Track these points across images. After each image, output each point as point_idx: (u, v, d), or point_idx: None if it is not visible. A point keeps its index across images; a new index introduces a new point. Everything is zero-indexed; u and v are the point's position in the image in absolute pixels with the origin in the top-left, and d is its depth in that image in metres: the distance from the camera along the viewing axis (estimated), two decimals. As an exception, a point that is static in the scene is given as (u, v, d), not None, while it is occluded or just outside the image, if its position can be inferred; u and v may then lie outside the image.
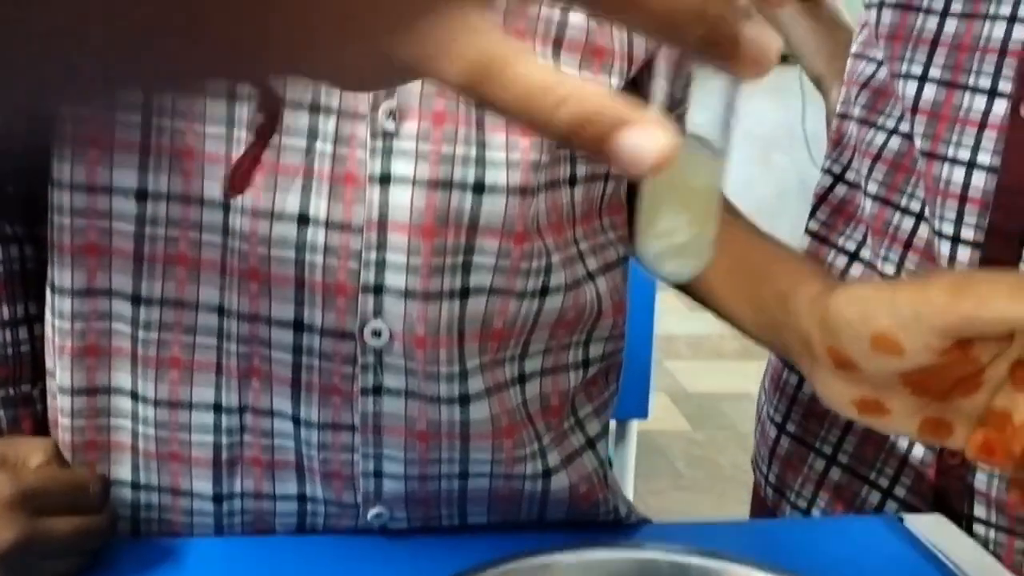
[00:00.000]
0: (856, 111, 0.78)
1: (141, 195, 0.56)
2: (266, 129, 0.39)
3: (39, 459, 0.55)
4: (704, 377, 3.19)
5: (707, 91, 0.33)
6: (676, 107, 0.33)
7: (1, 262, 0.63)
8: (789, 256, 0.64)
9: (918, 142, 0.71)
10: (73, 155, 0.56)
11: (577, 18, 0.57)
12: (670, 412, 2.95)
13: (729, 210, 0.69)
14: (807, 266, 0.62)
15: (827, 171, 0.82)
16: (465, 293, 0.57)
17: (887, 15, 0.73)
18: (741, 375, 3.13)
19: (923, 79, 0.71)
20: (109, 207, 0.56)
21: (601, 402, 0.69)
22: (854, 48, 0.80)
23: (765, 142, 4.83)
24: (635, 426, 1.49)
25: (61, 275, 0.58)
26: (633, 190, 0.69)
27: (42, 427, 0.65)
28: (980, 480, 0.70)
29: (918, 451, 0.73)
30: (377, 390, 0.58)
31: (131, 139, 0.55)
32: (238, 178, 0.42)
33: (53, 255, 0.59)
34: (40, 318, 0.66)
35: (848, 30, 1.01)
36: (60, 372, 0.60)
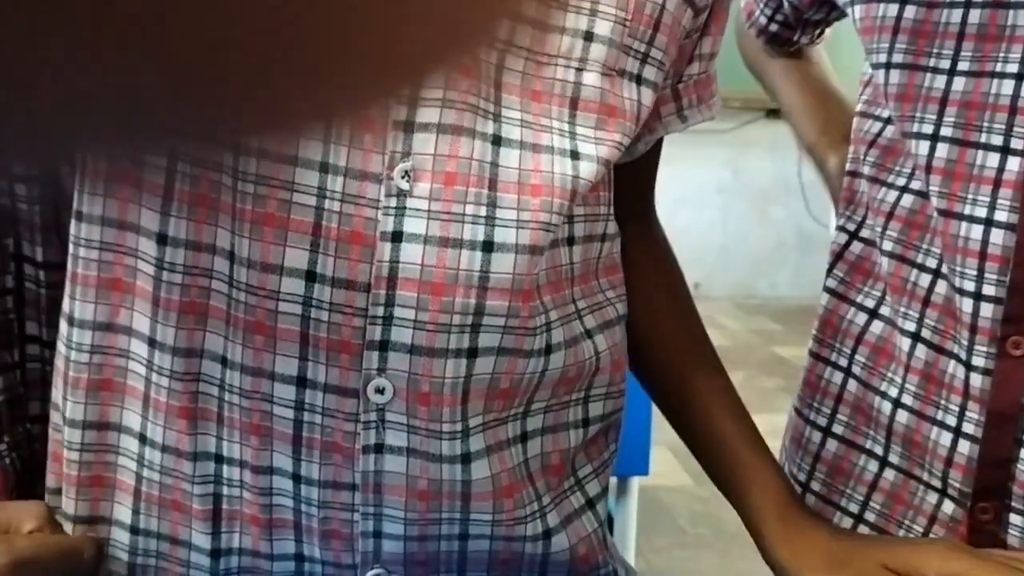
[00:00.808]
0: (866, 169, 0.79)
1: (162, 239, 0.56)
2: None
3: (31, 524, 0.54)
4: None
5: None
6: None
7: None
8: (754, 461, 0.69)
9: (934, 200, 0.72)
10: (105, 192, 0.57)
11: (591, 78, 0.58)
12: (672, 467, 2.92)
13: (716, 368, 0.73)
14: (770, 484, 0.68)
15: (841, 228, 0.83)
16: (473, 353, 0.57)
17: (895, 75, 0.74)
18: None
19: (935, 138, 0.71)
20: (136, 245, 0.57)
21: (601, 462, 0.69)
22: (859, 107, 0.81)
23: (762, 195, 4.87)
24: (636, 483, 1.48)
25: (70, 304, 0.59)
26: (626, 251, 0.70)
27: (21, 478, 0.64)
28: (1013, 537, 0.69)
29: (948, 507, 0.72)
30: (379, 448, 0.57)
31: (156, 181, 0.56)
32: None
33: (75, 288, 0.59)
34: (6, 368, 0.65)
35: (837, 97, 1.02)
36: (71, 405, 0.60)
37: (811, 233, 4.87)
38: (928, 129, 0.71)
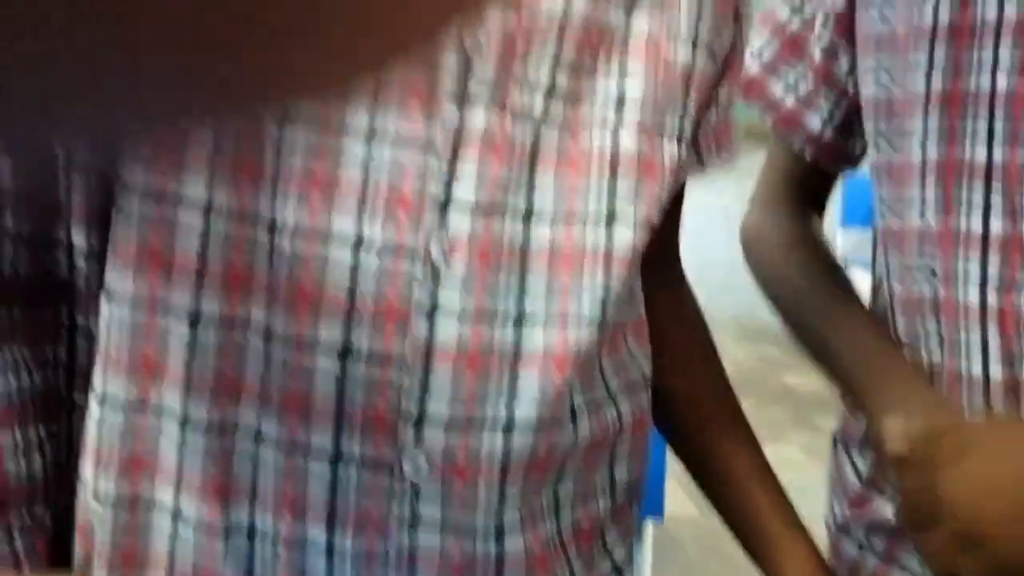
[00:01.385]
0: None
1: (194, 318, 0.57)
2: None
3: None
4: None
5: None
6: None
7: (11, 392, 0.63)
8: (786, 534, 0.69)
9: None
10: (136, 270, 0.57)
11: (627, 141, 0.59)
12: (680, 500, 2.90)
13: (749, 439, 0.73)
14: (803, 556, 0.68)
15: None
16: (510, 426, 0.57)
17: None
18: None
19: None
20: (167, 322, 0.57)
21: (626, 527, 0.69)
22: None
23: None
24: (650, 526, 1.47)
25: (115, 384, 0.59)
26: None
27: (55, 548, 0.64)
28: None
29: None
30: (413, 522, 0.57)
31: (189, 255, 0.56)
32: None
33: (104, 365, 0.60)
34: (49, 437, 0.66)
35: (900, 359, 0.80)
36: (103, 482, 0.60)
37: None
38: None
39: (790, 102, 0.85)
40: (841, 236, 4.21)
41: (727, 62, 0.66)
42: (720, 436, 0.72)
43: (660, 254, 0.74)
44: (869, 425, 0.80)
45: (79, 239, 0.66)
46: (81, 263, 0.67)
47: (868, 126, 0.78)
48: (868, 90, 0.77)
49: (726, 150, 0.70)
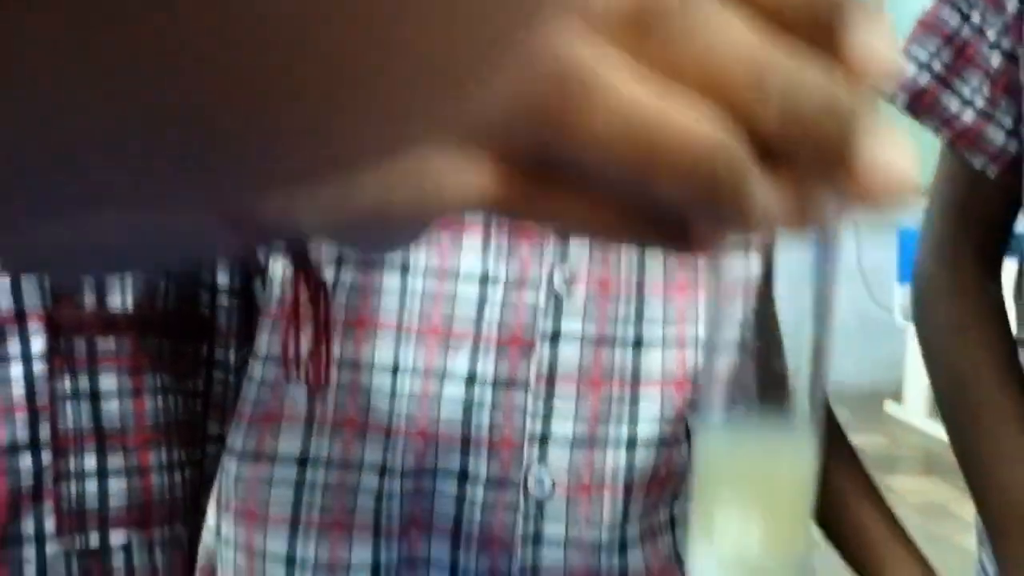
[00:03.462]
0: None
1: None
2: (318, 323, 0.39)
3: None
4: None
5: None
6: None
7: (154, 411, 0.68)
8: (900, 553, 0.69)
9: None
10: (270, 331, 0.61)
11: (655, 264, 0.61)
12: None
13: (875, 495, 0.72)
14: None
15: None
16: (632, 444, 0.60)
17: None
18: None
19: None
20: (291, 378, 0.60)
21: None
22: None
23: (821, 281, 4.84)
24: None
25: (234, 439, 0.62)
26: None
27: (190, 567, 0.68)
28: None
29: None
30: (537, 539, 0.59)
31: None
32: (315, 372, 0.42)
33: (229, 417, 0.63)
34: (190, 462, 0.70)
35: None
36: (224, 527, 0.64)
37: (874, 319, 4.83)
38: None
39: (968, 116, 0.78)
40: (900, 292, 4.18)
41: None
42: (828, 462, 0.73)
43: None
44: (997, 566, 0.78)
45: (222, 279, 0.71)
46: (223, 301, 0.72)
47: None
48: None
49: None
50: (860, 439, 4.28)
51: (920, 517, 3.11)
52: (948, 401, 0.81)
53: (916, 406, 4.32)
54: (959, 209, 0.81)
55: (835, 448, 0.74)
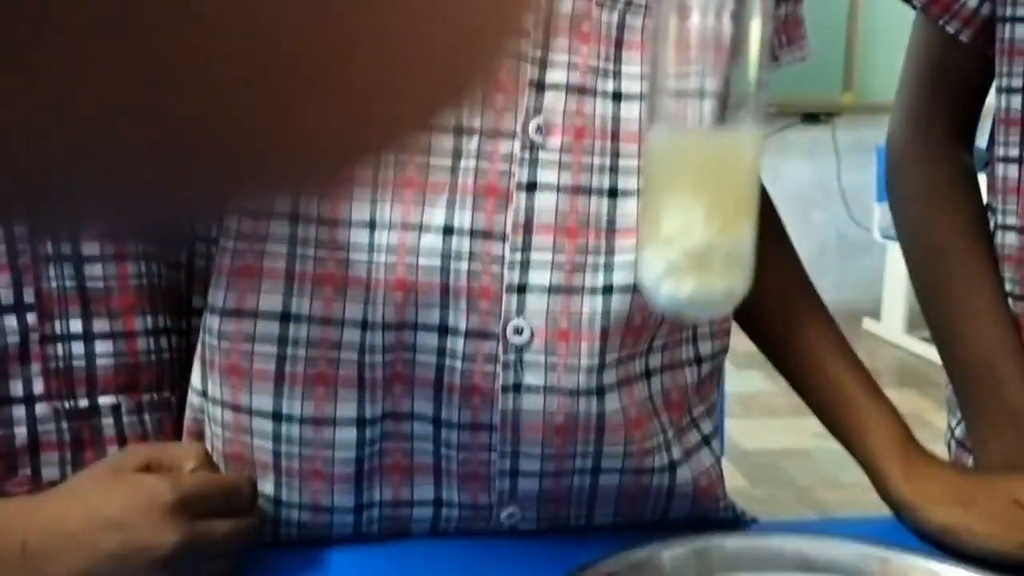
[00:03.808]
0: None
1: (294, 217, 0.60)
2: None
3: (192, 464, 0.57)
4: (759, 435, 3.16)
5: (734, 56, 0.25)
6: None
7: (138, 276, 0.69)
8: (870, 404, 0.71)
9: None
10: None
11: (635, 20, 0.61)
12: (728, 471, 2.92)
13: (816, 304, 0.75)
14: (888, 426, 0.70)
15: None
16: (608, 290, 0.61)
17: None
18: (795, 431, 3.10)
19: None
20: (267, 230, 0.61)
21: (710, 403, 0.73)
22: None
23: (801, 201, 4.86)
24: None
25: (215, 295, 0.63)
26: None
27: (180, 431, 0.69)
28: None
29: None
30: (517, 387, 0.61)
31: None
32: None
33: (211, 276, 0.63)
34: (175, 331, 0.71)
35: None
36: (211, 387, 0.64)
37: (853, 237, 4.86)
38: None
39: None
40: (879, 211, 4.20)
41: None
42: (798, 316, 0.74)
43: None
44: (968, 430, 0.80)
45: None
46: None
47: None
48: None
49: (797, 45, 0.73)
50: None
51: (896, 427, 3.19)
52: (920, 264, 0.82)
53: (894, 323, 4.37)
54: (933, 75, 0.81)
55: (804, 302, 0.76)
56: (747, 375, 3.41)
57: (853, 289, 4.87)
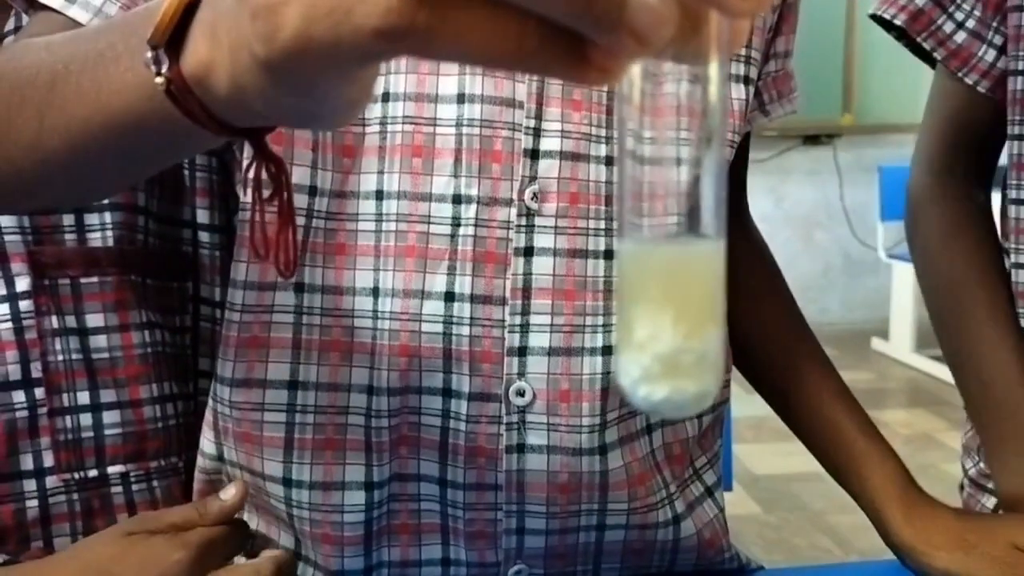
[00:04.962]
0: None
1: (299, 287, 0.61)
2: (282, 203, 0.42)
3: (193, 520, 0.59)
4: (770, 460, 3.15)
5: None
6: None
7: (142, 345, 0.70)
8: (870, 448, 0.72)
9: None
10: (248, 259, 0.62)
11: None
12: (740, 496, 2.91)
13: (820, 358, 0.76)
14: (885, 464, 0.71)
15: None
16: (607, 350, 0.62)
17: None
18: (806, 455, 3.08)
19: None
20: (272, 301, 0.62)
21: (713, 454, 0.73)
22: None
23: (805, 221, 4.88)
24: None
25: (223, 367, 0.63)
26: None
27: (189, 495, 0.70)
28: None
29: None
30: (520, 448, 0.62)
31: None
32: (283, 259, 0.44)
33: (218, 340, 0.64)
34: (181, 396, 0.72)
35: None
36: (227, 452, 0.65)
37: (858, 257, 4.86)
38: None
39: (961, 37, 0.80)
40: (882, 230, 4.20)
41: (781, 15, 0.70)
42: (797, 364, 0.75)
43: (731, 207, 0.78)
44: (986, 460, 0.81)
45: (203, 216, 0.72)
46: (205, 238, 0.73)
47: None
48: None
49: (787, 98, 0.74)
50: (849, 376, 4.29)
51: (908, 447, 3.16)
52: (938, 302, 0.83)
53: (903, 342, 4.36)
54: (952, 123, 0.84)
55: (803, 348, 0.77)
56: (756, 400, 3.39)
57: (860, 309, 4.88)
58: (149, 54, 0.35)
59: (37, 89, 0.42)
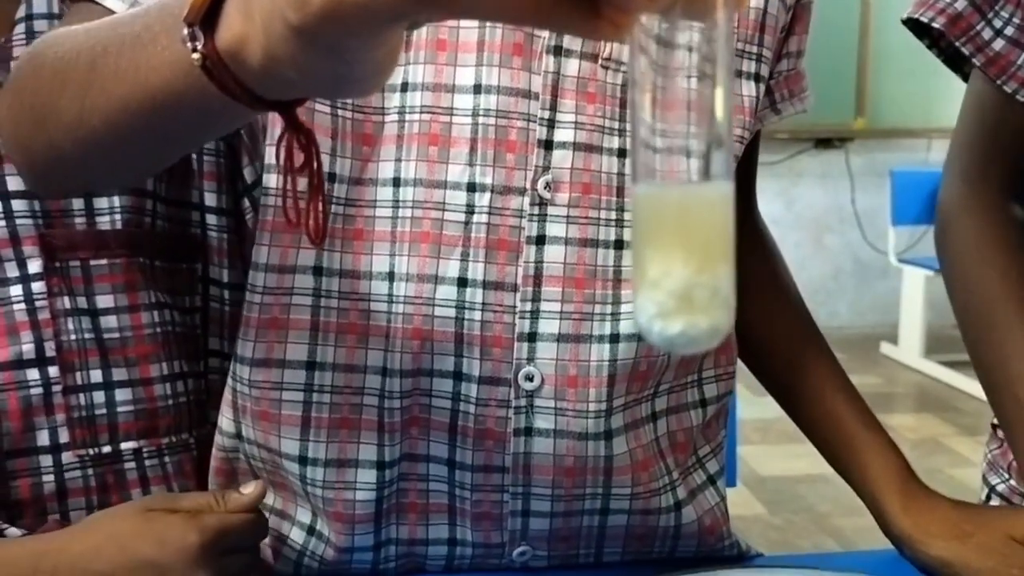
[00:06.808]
0: None
1: (318, 270, 0.62)
2: (311, 172, 0.43)
3: (209, 507, 0.61)
4: (776, 461, 3.15)
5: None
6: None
7: (152, 325, 0.71)
8: (871, 439, 0.73)
9: None
10: (269, 242, 0.63)
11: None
12: (746, 498, 2.92)
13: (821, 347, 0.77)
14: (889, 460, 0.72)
15: None
16: (615, 338, 0.63)
17: None
18: (812, 457, 3.08)
19: None
20: (292, 284, 0.63)
21: (716, 444, 0.74)
22: None
23: (816, 225, 4.87)
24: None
25: (243, 347, 0.65)
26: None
27: (200, 471, 0.72)
28: None
29: None
30: (528, 431, 0.63)
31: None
32: (314, 226, 0.46)
33: (227, 319, 0.66)
34: (191, 374, 0.74)
35: None
36: (245, 430, 0.67)
37: (869, 261, 4.85)
38: None
39: (999, 44, 0.78)
40: (893, 235, 4.20)
41: (795, 15, 0.71)
42: (803, 359, 0.76)
43: (740, 202, 0.79)
44: (1019, 479, 0.81)
45: (211, 199, 0.74)
46: (213, 220, 0.74)
47: None
48: None
49: (799, 97, 0.75)
50: (857, 380, 4.29)
51: (916, 452, 3.16)
52: (968, 313, 0.82)
53: (912, 347, 4.35)
54: (988, 132, 0.82)
55: (808, 340, 0.78)
56: (764, 402, 3.38)
57: (870, 313, 4.87)
58: (185, 31, 0.37)
59: (78, 71, 0.44)
